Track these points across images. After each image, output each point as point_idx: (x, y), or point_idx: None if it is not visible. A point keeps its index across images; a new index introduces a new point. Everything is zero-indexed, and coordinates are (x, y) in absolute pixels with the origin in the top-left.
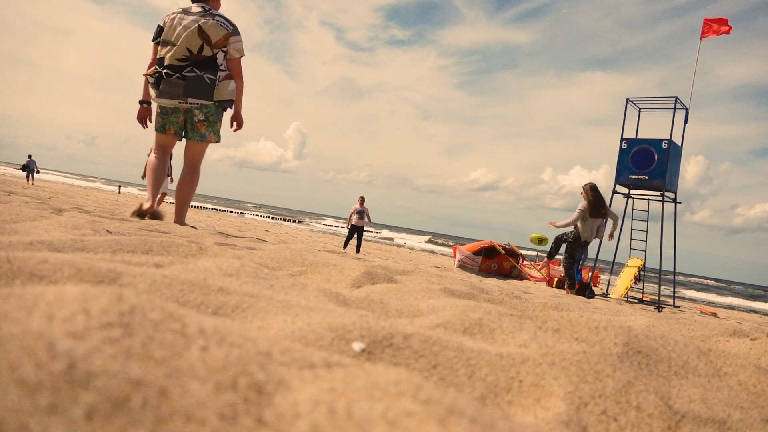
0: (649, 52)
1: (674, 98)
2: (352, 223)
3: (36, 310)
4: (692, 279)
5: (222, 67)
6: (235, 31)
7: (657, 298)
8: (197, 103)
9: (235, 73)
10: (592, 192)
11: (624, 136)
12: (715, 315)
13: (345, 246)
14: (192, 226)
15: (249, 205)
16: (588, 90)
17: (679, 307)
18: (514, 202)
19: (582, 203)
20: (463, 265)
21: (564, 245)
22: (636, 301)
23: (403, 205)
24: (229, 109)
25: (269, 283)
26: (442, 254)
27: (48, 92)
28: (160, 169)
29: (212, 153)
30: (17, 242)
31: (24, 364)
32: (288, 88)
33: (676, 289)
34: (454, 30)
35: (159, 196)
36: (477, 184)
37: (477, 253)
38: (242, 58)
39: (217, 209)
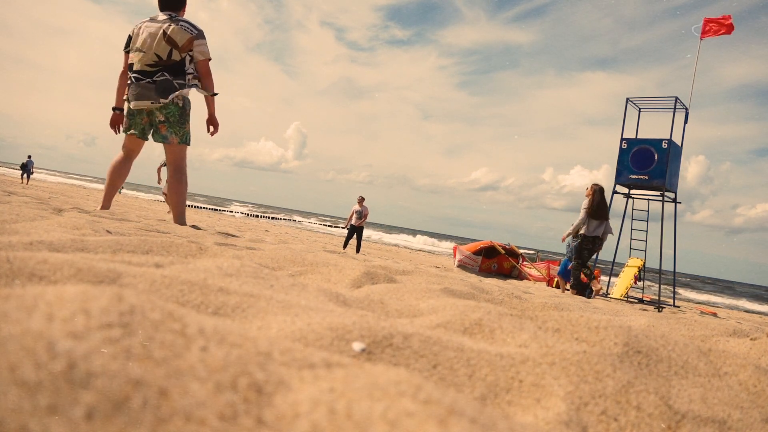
0: (649, 51)
1: (674, 98)
2: (352, 223)
3: (36, 310)
4: (692, 279)
5: (190, 71)
6: (199, 35)
7: (657, 298)
8: (163, 103)
9: (203, 75)
10: (595, 194)
11: (624, 136)
12: (715, 315)
13: (345, 246)
14: (193, 226)
15: (236, 203)
16: (589, 90)
17: (679, 307)
18: (515, 202)
19: (585, 201)
20: (463, 265)
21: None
22: (636, 301)
23: (403, 206)
24: (189, 111)
25: (269, 283)
26: (444, 253)
27: (48, 92)
28: (117, 171)
29: (212, 153)
30: (17, 242)
31: (24, 364)
32: (288, 88)
33: (676, 289)
34: (455, 30)
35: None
36: (477, 184)
37: (477, 253)
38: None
39: (201, 207)
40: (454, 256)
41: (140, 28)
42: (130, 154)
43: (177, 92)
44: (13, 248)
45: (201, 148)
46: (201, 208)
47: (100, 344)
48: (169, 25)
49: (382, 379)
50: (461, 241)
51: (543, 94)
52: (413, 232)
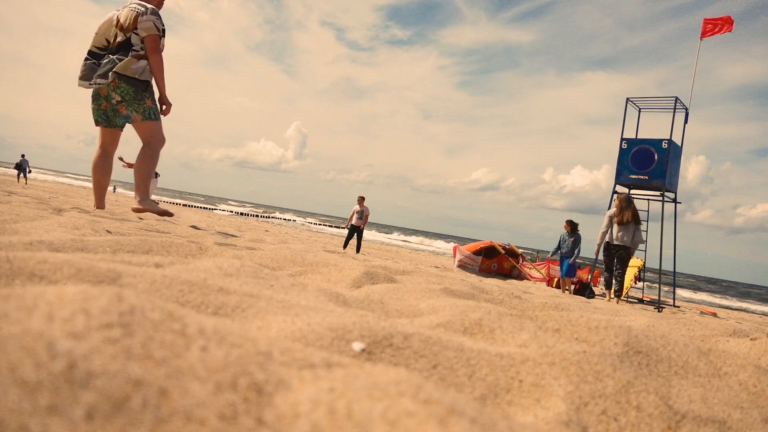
0: (650, 51)
1: (674, 98)
2: (352, 223)
3: (36, 310)
4: (693, 279)
5: (136, 48)
6: (146, 12)
7: (657, 298)
8: (102, 83)
9: (148, 52)
10: (621, 201)
11: (624, 136)
12: (715, 315)
13: (345, 246)
14: (192, 226)
15: (233, 202)
16: (589, 90)
17: (679, 307)
18: (515, 202)
19: (611, 210)
20: (463, 265)
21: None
22: (636, 301)
23: (403, 206)
24: (146, 87)
25: (269, 283)
26: (436, 251)
27: (48, 92)
28: (99, 168)
29: (212, 153)
30: (17, 242)
31: (24, 364)
32: (288, 88)
33: (676, 289)
34: (455, 30)
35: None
36: (478, 184)
37: (477, 253)
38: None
39: (189, 205)
40: (454, 256)
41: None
42: (105, 147)
43: (115, 68)
44: (13, 248)
45: (201, 149)
46: (190, 206)
47: (100, 344)
48: (124, 10)
49: (382, 379)
50: (461, 241)
51: (543, 94)
52: (407, 232)
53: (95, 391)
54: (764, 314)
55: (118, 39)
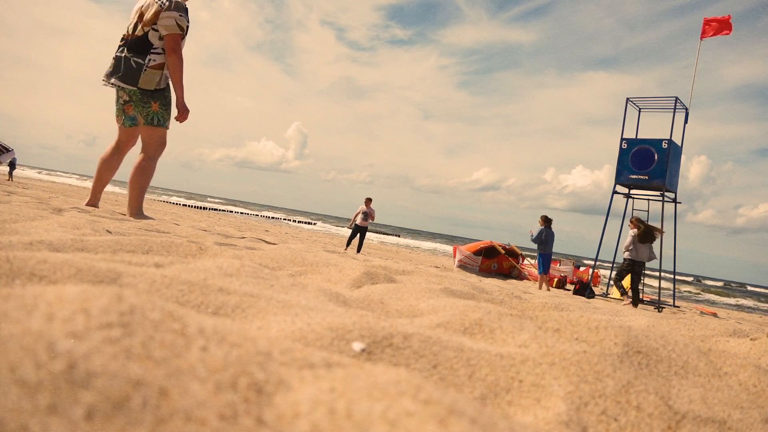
0: (651, 51)
1: (674, 98)
2: (356, 223)
3: (36, 310)
4: (693, 279)
5: (155, 49)
6: (171, 7)
7: (657, 298)
8: (119, 85)
9: (166, 51)
10: (638, 223)
11: (624, 136)
12: (715, 315)
13: (347, 246)
14: (149, 217)
15: (215, 201)
16: (590, 89)
17: (679, 307)
18: (516, 202)
19: (632, 231)
20: (463, 265)
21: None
22: None
23: (403, 206)
24: (156, 89)
25: (269, 283)
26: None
27: (48, 92)
28: (106, 163)
29: (212, 153)
30: (17, 242)
31: (24, 364)
32: (289, 87)
33: (676, 289)
34: (456, 29)
35: None
36: (479, 184)
37: (477, 253)
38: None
39: (180, 204)
40: (454, 256)
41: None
42: (119, 144)
43: (141, 73)
44: (13, 248)
45: (201, 149)
46: (176, 204)
47: (100, 344)
48: (149, 1)
49: (382, 379)
50: (461, 241)
51: (544, 93)
52: (407, 232)
53: (95, 391)
54: (764, 314)
55: (137, 33)
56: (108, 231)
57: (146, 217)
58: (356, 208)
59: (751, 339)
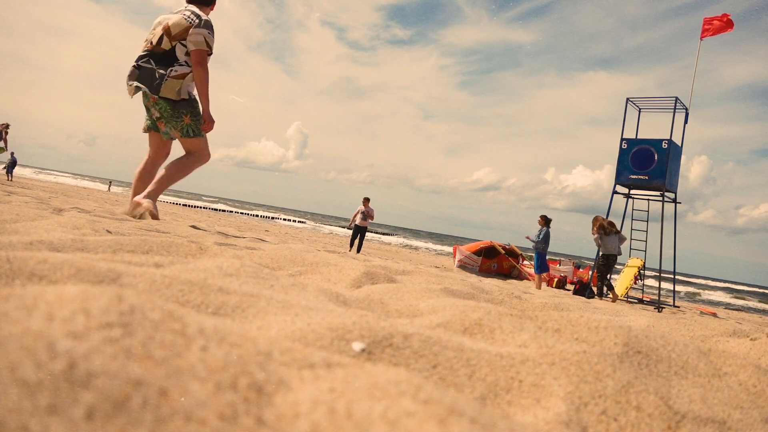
0: (651, 51)
1: (674, 98)
2: (356, 223)
3: (36, 310)
4: (693, 279)
5: (181, 62)
6: (200, 25)
7: (657, 298)
8: (145, 91)
9: (194, 64)
10: (595, 220)
11: (624, 136)
12: (715, 315)
13: (351, 246)
14: (192, 226)
15: (208, 199)
16: (591, 90)
17: (679, 307)
18: (516, 203)
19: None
20: (463, 265)
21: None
22: (636, 301)
23: (404, 206)
24: (183, 101)
25: (269, 283)
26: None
27: (48, 92)
28: (140, 177)
29: (213, 153)
30: (17, 242)
31: (24, 364)
32: (289, 87)
33: (676, 289)
34: (456, 29)
35: None
36: (479, 184)
37: (477, 253)
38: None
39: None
40: (454, 256)
41: (158, 19)
42: (152, 155)
43: (162, 84)
44: (13, 248)
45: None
46: (175, 204)
47: (100, 344)
48: (176, 15)
49: (382, 379)
50: (461, 241)
51: (545, 93)
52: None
53: (95, 390)
54: (764, 314)
55: (163, 46)
56: (108, 231)
57: (155, 211)
58: (355, 208)
59: (751, 339)
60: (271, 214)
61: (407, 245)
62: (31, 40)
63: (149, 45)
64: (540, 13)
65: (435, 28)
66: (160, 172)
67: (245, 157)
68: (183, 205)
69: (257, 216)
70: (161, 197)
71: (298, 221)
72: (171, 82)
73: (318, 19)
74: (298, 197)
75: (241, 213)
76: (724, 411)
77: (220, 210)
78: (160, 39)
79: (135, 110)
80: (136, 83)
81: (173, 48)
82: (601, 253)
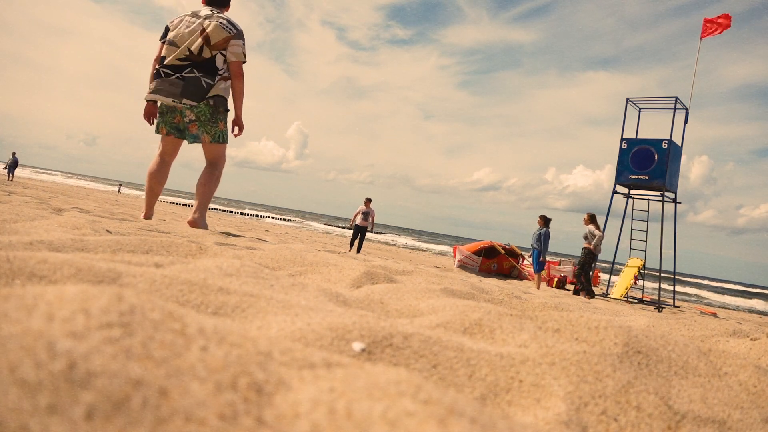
0: (651, 51)
1: (674, 98)
2: (356, 223)
3: (36, 310)
4: (693, 279)
5: (222, 72)
6: (237, 35)
7: (657, 298)
8: (189, 105)
9: (233, 76)
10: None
11: (624, 136)
12: (715, 315)
13: (351, 246)
14: (206, 226)
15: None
16: (591, 90)
17: (679, 307)
18: (516, 203)
19: (591, 227)
20: (463, 265)
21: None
22: (636, 301)
23: (404, 206)
24: (224, 109)
25: (269, 283)
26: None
27: (48, 92)
28: (155, 176)
29: None
30: (17, 242)
31: (24, 364)
32: (289, 87)
33: (676, 289)
34: (456, 29)
35: None
36: (479, 184)
37: (477, 253)
38: (246, 62)
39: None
40: (454, 256)
41: (181, 21)
42: (164, 156)
43: (209, 92)
44: (13, 248)
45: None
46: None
47: (100, 344)
48: (210, 22)
49: (382, 379)
50: (461, 241)
51: (545, 93)
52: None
53: (95, 390)
54: (764, 314)
55: (204, 55)
56: (108, 231)
57: (205, 226)
58: (356, 208)
59: (751, 339)
60: (260, 213)
61: (407, 245)
62: (31, 40)
63: (188, 53)
64: (540, 13)
65: (435, 28)
66: (199, 189)
67: (245, 157)
68: (183, 205)
69: (246, 215)
70: (161, 197)
71: (284, 219)
72: (218, 91)
73: (318, 19)
74: (299, 197)
75: (229, 211)
76: (724, 411)
77: (219, 210)
78: (201, 48)
79: (135, 110)
80: (185, 102)
81: (213, 57)
82: (590, 248)
